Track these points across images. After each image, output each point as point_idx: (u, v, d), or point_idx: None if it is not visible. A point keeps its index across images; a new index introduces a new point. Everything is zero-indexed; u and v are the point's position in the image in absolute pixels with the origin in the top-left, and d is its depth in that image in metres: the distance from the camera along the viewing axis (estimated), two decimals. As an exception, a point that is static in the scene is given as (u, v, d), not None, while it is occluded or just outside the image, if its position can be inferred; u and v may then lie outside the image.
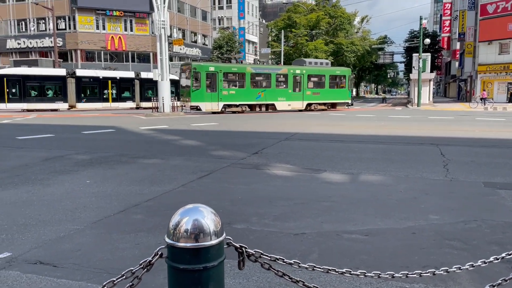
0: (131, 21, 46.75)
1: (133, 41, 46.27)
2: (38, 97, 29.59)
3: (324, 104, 28.76)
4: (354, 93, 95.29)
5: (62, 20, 44.77)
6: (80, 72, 31.39)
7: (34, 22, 45.87)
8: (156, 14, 20.60)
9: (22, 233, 3.85)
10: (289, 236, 3.86)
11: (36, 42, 45.23)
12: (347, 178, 6.30)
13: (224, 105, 24.61)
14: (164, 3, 20.67)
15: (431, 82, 39.49)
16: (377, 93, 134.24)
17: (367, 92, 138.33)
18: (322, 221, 4.29)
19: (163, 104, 20.65)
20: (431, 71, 41.89)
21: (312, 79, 28.29)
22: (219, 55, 55.60)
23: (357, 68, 78.26)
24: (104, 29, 45.66)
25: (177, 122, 16.95)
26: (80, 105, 30.95)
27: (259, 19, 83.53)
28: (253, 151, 8.81)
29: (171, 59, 50.86)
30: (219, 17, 74.64)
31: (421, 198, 5.13)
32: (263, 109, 26.32)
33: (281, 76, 27.00)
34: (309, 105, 27.94)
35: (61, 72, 30.61)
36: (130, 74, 33.82)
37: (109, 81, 32.21)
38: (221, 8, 74.71)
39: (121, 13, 45.77)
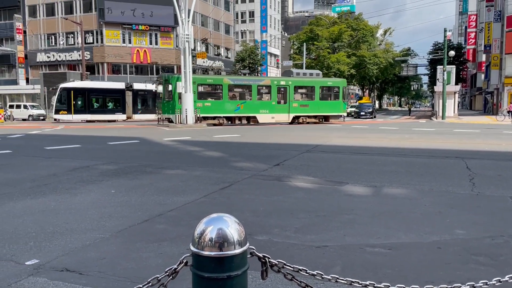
0: (156, 35, 47.79)
1: (157, 54, 47.23)
2: (100, 109, 31.81)
3: (315, 117, 27.16)
4: (377, 105, 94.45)
5: (90, 34, 46.14)
6: (136, 86, 33.52)
7: (63, 36, 47.41)
8: (181, 28, 21.03)
9: (50, 241, 3.95)
10: (311, 248, 3.85)
11: (65, 55, 46.68)
12: (369, 191, 6.23)
13: (198, 117, 23.89)
14: (188, 17, 21.10)
15: (456, 95, 38.80)
16: (400, 105, 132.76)
17: (390, 104, 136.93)
18: (345, 234, 4.25)
19: (186, 116, 20.93)
20: (456, 84, 41.20)
21: (300, 90, 26.96)
22: (242, 68, 56.21)
23: (380, 80, 77.66)
24: (130, 42, 46.81)
25: (200, 134, 17.14)
26: (136, 116, 33.17)
27: (281, 32, 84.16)
28: (274, 163, 8.82)
29: (194, 72, 51.58)
30: (241, 30, 75.62)
31: (446, 212, 5.03)
32: (244, 121, 25.51)
33: (264, 87, 25.95)
34: (296, 118, 26.56)
35: (121, 85, 32.82)
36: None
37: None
38: (243, 22, 75.72)
39: (146, 27, 46.88)
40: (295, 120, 26.60)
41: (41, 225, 4.44)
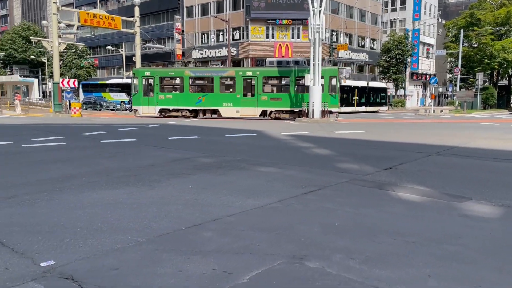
0: (298, 29, 47.94)
1: (298, 48, 47.34)
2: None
3: (292, 112, 23.22)
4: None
5: (237, 30, 48.68)
6: (347, 83, 38.27)
7: (214, 34, 51.03)
8: (312, 18, 20.28)
9: (85, 240, 3.72)
10: (370, 291, 2.82)
11: (215, 52, 50.19)
12: (497, 212, 4.68)
13: (161, 109, 24.81)
14: (320, 6, 20.23)
15: None
16: None
17: None
18: (430, 274, 3.08)
19: (312, 109, 20.17)
20: None
21: (270, 82, 23.65)
22: (387, 59, 52.84)
23: None
24: (273, 37, 47.92)
25: (321, 129, 16.22)
26: (342, 109, 36.82)
27: (438, 19, 76.58)
28: (386, 166, 7.53)
29: (335, 64, 50.34)
30: (391, 19, 71.11)
31: None
32: (208, 114, 24.58)
33: (227, 79, 24.14)
34: (266, 112, 23.59)
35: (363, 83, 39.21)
36: (363, 84, 40.34)
37: (356, 90, 38.93)
38: (394, 10, 71.05)
39: (289, 22, 47.36)
40: (268, 115, 23.70)
41: (93, 220, 4.28)
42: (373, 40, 58.92)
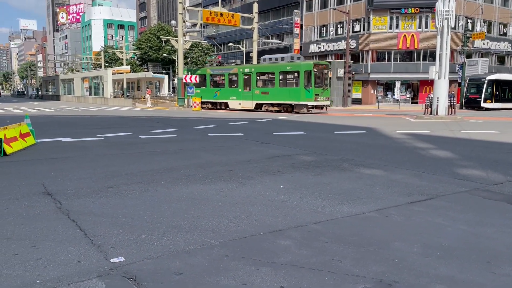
0: (426, 17, 44.14)
1: (426, 38, 43.61)
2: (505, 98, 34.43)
3: (279, 105, 24.58)
4: None
5: (357, 22, 46.75)
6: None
7: (333, 27, 49.79)
8: (440, 3, 18.21)
9: (160, 237, 3.62)
10: None
11: (333, 45, 48.93)
12: None
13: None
14: (450, -10, 18.08)
15: None
16: None
17: None
18: None
19: (437, 105, 18.17)
20: None
21: (261, 77, 25.77)
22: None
23: None
24: (397, 28, 44.94)
25: (444, 127, 14.45)
26: (508, 105, 34.56)
27: None
28: (521, 175, 6.26)
29: (470, 56, 45.20)
30: (542, 2, 61.43)
31: None
32: (223, 107, 27.96)
33: (233, 75, 27.20)
34: (259, 105, 25.64)
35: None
36: None
37: None
38: (547, -10, 61.26)
39: (416, 10, 43.86)
40: (262, 108, 25.59)
41: (175, 216, 4.20)
42: (517, 27, 51.59)
